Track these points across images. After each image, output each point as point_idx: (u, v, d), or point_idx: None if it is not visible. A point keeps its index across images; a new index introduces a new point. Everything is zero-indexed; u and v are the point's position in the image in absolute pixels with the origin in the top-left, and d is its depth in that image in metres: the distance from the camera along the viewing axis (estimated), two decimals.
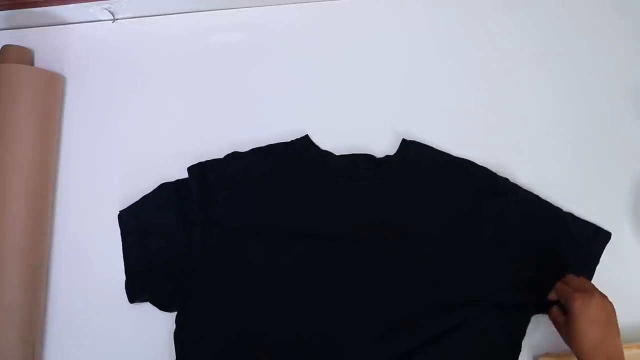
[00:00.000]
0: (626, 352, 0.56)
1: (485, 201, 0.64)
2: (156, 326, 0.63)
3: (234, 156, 0.67)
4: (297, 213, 0.64)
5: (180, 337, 0.61)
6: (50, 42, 0.76)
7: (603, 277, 0.65)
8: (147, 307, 0.64)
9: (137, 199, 0.66)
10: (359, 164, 0.67)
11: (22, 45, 0.73)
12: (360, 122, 0.71)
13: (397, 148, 0.68)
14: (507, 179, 0.66)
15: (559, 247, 0.64)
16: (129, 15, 0.77)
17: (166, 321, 0.63)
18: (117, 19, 0.77)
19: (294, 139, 0.68)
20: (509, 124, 0.71)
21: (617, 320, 0.55)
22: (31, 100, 0.68)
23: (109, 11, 0.76)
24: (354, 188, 0.65)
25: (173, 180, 0.66)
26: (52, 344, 0.66)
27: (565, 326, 0.57)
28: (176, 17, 0.77)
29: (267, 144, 0.67)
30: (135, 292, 0.63)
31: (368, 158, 0.68)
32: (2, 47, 0.72)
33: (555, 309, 0.59)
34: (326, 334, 0.60)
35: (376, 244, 0.63)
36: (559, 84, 0.73)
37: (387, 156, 0.68)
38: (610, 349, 0.53)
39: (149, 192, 0.66)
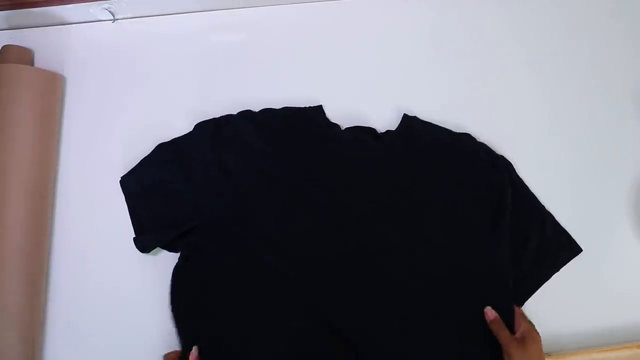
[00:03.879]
0: (626, 352, 0.57)
1: (486, 175, 0.65)
2: (157, 326, 0.63)
3: (246, 114, 0.68)
4: (303, 179, 0.65)
5: (181, 282, 0.62)
6: (50, 42, 0.76)
7: (603, 277, 0.65)
8: (146, 307, 0.65)
9: (136, 163, 0.68)
10: (362, 136, 0.68)
11: (22, 45, 0.73)
12: (360, 123, 0.71)
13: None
14: (503, 157, 0.68)
15: (528, 242, 0.64)
16: (129, 15, 0.77)
17: (165, 323, 0.63)
18: (117, 19, 0.77)
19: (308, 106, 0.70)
20: (508, 124, 0.71)
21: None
22: (31, 100, 0.68)
23: (109, 11, 0.76)
24: (357, 159, 0.66)
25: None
26: (52, 344, 0.66)
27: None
28: (176, 17, 0.77)
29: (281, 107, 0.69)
30: (145, 245, 0.64)
31: (370, 131, 0.69)
32: (2, 47, 0.72)
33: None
34: (329, 297, 0.61)
35: (377, 213, 0.64)
36: (559, 84, 0.73)
37: (387, 131, 0.69)
38: None
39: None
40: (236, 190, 0.64)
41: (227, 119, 0.68)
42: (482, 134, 0.70)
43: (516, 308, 0.61)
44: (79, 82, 0.75)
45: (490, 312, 0.59)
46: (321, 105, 0.69)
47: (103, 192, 0.69)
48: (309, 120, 0.68)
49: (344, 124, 0.70)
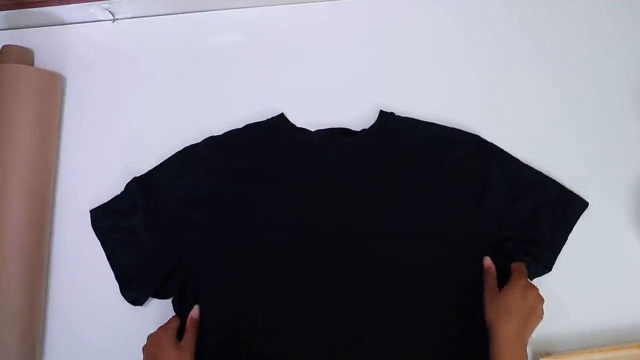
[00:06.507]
0: (626, 352, 0.57)
1: (467, 160, 0.66)
2: (158, 325, 0.63)
3: (210, 140, 0.68)
4: (277, 189, 0.65)
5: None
6: (50, 42, 0.76)
7: (603, 277, 0.65)
8: (146, 306, 0.65)
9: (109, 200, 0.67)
10: (334, 135, 0.69)
11: (22, 45, 0.73)
12: (358, 123, 0.71)
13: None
14: (493, 144, 0.67)
15: (535, 209, 0.65)
16: (129, 15, 0.77)
17: (165, 320, 0.63)
18: (117, 19, 0.77)
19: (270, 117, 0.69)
20: (508, 125, 0.71)
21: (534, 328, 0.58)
22: (31, 100, 0.68)
23: (109, 11, 0.76)
24: (333, 157, 0.66)
25: None
26: (52, 344, 0.66)
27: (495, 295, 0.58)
28: (176, 17, 0.77)
29: (244, 125, 0.69)
30: (135, 299, 0.64)
31: (345, 130, 0.69)
32: (2, 47, 0.72)
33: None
34: (314, 304, 0.61)
35: (357, 210, 0.64)
36: (560, 84, 0.73)
37: (363, 129, 0.69)
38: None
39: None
40: (211, 215, 0.64)
41: (192, 149, 0.67)
42: (482, 134, 0.70)
43: (514, 265, 0.61)
44: (79, 82, 0.75)
45: (486, 261, 0.61)
46: (282, 113, 0.70)
47: (103, 192, 0.69)
48: (273, 129, 0.68)
49: (344, 124, 0.70)
